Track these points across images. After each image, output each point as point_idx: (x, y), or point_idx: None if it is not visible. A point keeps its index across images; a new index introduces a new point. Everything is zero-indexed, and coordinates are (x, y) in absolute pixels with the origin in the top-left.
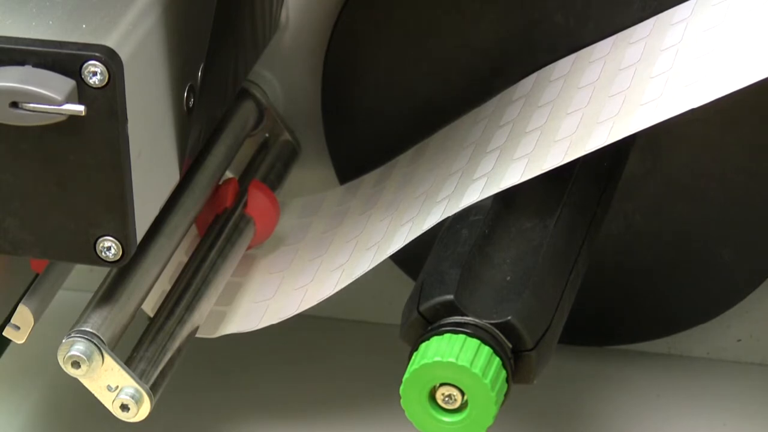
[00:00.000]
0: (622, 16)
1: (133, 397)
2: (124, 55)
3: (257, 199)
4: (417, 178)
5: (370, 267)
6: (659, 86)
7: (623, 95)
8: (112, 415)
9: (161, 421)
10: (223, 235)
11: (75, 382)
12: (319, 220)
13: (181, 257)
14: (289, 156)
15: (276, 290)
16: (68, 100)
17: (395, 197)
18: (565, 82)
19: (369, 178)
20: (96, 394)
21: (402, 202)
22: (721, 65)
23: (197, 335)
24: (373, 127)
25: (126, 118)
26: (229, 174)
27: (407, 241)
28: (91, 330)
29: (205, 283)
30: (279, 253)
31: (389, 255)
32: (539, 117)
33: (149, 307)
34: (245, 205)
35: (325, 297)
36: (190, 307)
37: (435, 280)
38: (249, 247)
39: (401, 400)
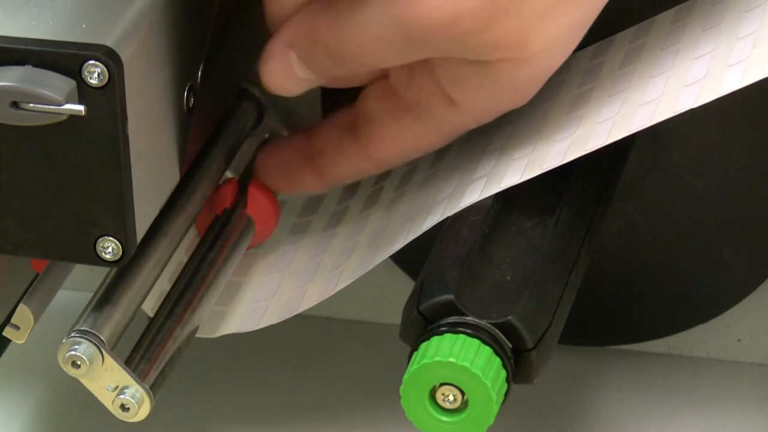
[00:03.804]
0: (621, 17)
1: (133, 397)
2: (124, 55)
3: (257, 199)
4: (416, 178)
5: (371, 267)
6: (659, 86)
7: (623, 95)
8: (112, 415)
9: (161, 421)
10: (223, 235)
11: (75, 382)
12: (318, 220)
13: (181, 257)
14: None
15: (276, 290)
16: (68, 100)
17: (395, 197)
18: (565, 82)
19: (368, 177)
20: (96, 394)
21: (401, 202)
22: (720, 65)
23: (197, 335)
24: None
25: (126, 118)
26: (229, 174)
27: (407, 241)
28: (91, 330)
29: (205, 283)
30: (279, 253)
31: (389, 255)
32: (540, 117)
33: (149, 306)
34: (245, 205)
35: (326, 297)
36: (190, 307)
37: (435, 279)
38: (249, 247)
39: (401, 400)
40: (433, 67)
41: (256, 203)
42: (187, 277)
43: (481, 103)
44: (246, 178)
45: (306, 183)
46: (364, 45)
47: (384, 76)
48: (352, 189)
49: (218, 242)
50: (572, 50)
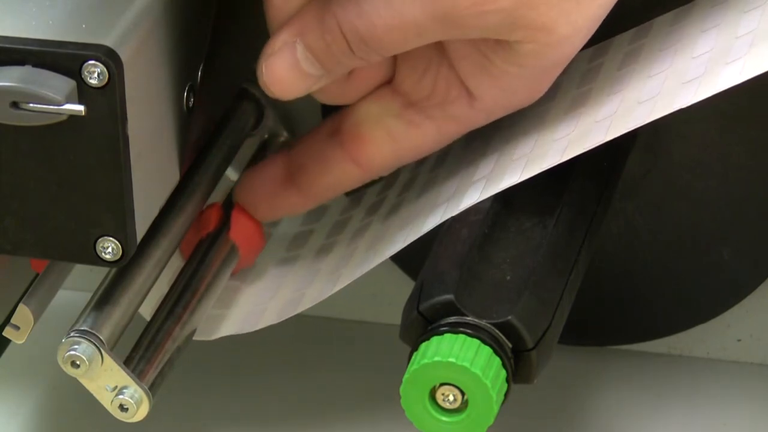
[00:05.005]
0: (621, 18)
1: (131, 397)
2: (124, 55)
3: (240, 223)
4: (417, 184)
5: (369, 267)
6: (657, 84)
7: (621, 95)
8: (112, 415)
9: (160, 421)
10: (207, 259)
11: (75, 382)
12: (321, 229)
13: (179, 261)
14: None
15: (275, 294)
16: (68, 100)
17: (395, 203)
18: (564, 84)
19: (372, 189)
20: (95, 394)
21: (401, 207)
22: (718, 63)
23: (195, 338)
24: None
25: (126, 118)
26: (229, 173)
27: (407, 243)
28: (90, 330)
29: (204, 283)
30: (279, 260)
31: (388, 256)
32: (538, 118)
33: (147, 309)
34: (228, 229)
35: (324, 297)
36: (189, 307)
37: (435, 279)
38: (235, 271)
39: (401, 400)
40: (451, 57)
41: (240, 227)
42: (186, 277)
43: (497, 95)
44: (231, 202)
45: (288, 202)
46: (388, 24)
47: (386, 82)
48: (356, 200)
49: (204, 263)
50: (586, 41)
